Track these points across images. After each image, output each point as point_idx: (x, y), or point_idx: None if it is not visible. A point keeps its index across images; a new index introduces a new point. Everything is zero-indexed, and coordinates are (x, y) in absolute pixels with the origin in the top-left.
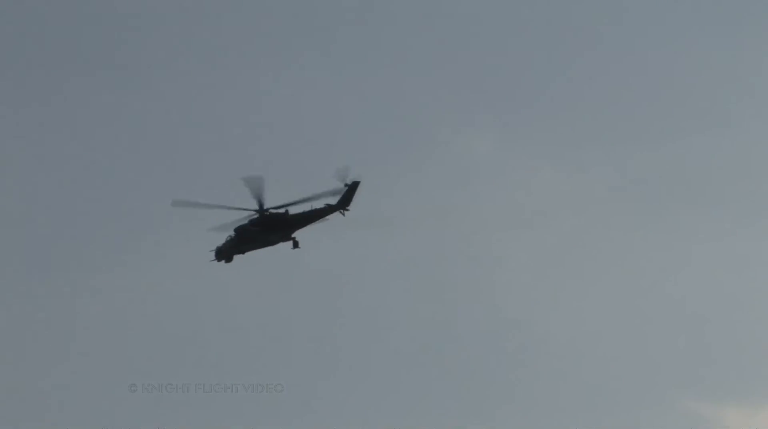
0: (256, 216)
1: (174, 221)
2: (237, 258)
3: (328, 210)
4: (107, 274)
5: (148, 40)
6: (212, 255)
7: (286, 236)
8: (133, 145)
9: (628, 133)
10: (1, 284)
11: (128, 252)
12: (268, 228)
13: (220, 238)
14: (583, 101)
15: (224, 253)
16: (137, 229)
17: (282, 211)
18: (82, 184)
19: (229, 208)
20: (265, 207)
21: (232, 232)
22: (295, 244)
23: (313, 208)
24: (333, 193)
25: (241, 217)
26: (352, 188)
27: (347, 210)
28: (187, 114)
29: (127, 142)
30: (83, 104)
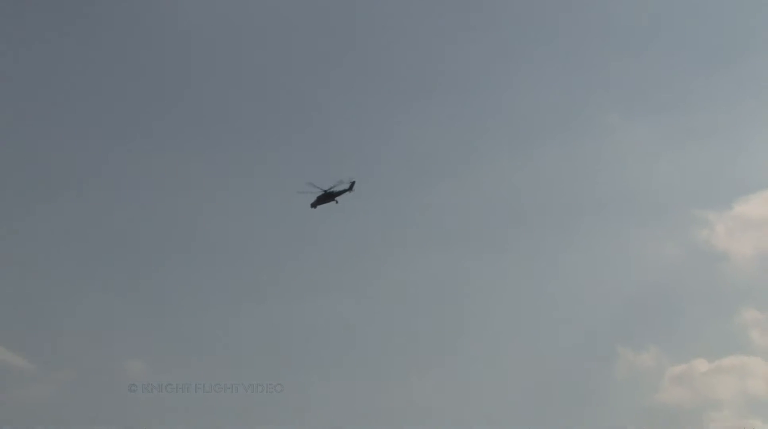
0: (322, 193)
1: (304, 192)
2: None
3: (345, 191)
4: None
5: None
6: (309, 206)
7: (333, 200)
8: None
9: None
10: None
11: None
12: (327, 196)
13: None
14: None
15: (314, 205)
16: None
17: (333, 188)
18: None
19: (317, 188)
20: (325, 188)
21: (314, 199)
22: (335, 202)
23: (341, 188)
24: (348, 183)
25: (319, 192)
26: (353, 183)
27: (352, 190)
28: None
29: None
30: None
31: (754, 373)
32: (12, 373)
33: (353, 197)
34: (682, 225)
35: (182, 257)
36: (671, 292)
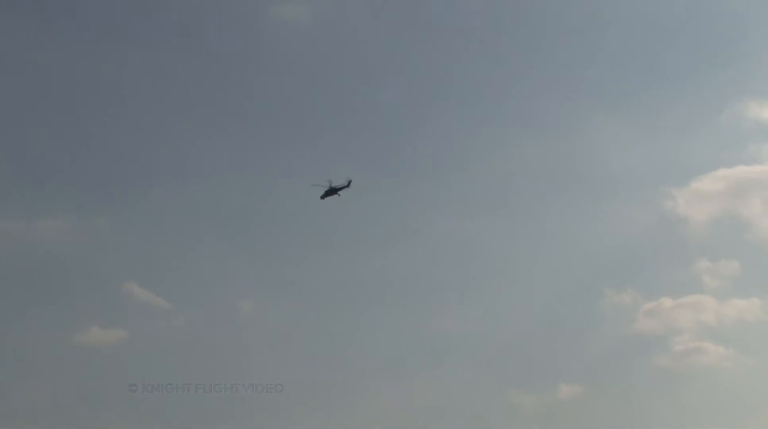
0: (329, 187)
1: (313, 188)
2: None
3: (344, 187)
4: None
5: None
6: (318, 198)
7: (336, 194)
8: None
9: None
10: None
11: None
12: (332, 191)
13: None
14: None
15: (322, 197)
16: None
17: (335, 185)
18: None
19: (324, 185)
20: (330, 185)
21: (323, 192)
22: (338, 196)
23: (341, 185)
24: (346, 181)
25: (326, 187)
26: (350, 182)
27: (348, 187)
28: None
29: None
30: None
31: (706, 307)
32: (155, 310)
33: (351, 191)
34: (652, 198)
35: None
36: (644, 247)
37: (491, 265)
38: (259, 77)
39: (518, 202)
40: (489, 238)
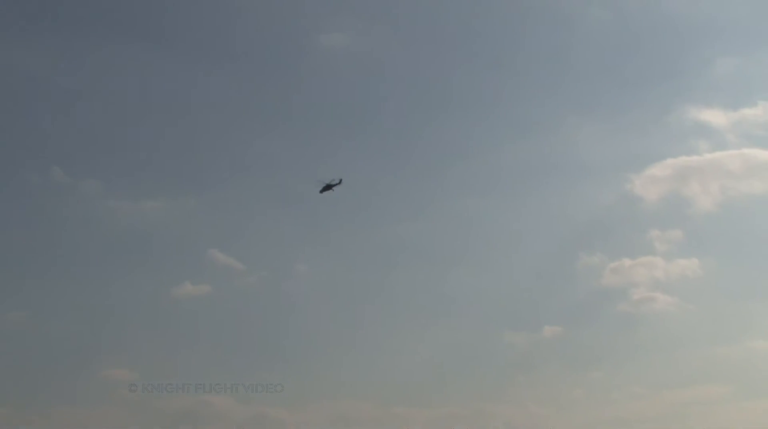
0: (325, 184)
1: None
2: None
3: (337, 184)
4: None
5: None
6: (317, 193)
7: (330, 190)
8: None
9: None
10: None
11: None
12: (328, 187)
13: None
14: None
15: (321, 192)
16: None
17: (329, 182)
18: None
19: (323, 182)
20: (326, 182)
21: (320, 188)
22: (332, 191)
23: (335, 182)
24: (338, 180)
25: (324, 184)
26: (341, 180)
27: (339, 184)
28: None
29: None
30: None
31: (657, 266)
32: (232, 271)
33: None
34: (615, 182)
35: None
36: (609, 220)
37: (489, 236)
38: (306, 89)
39: (510, 186)
40: (487, 214)
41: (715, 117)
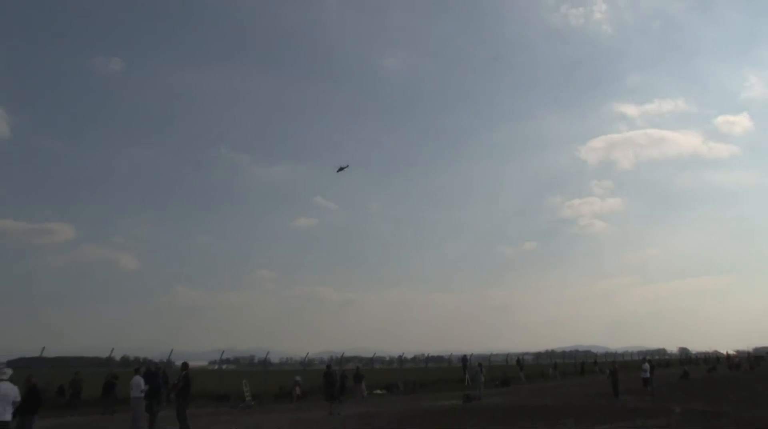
0: (339, 167)
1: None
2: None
3: (346, 167)
4: None
5: None
6: (334, 172)
7: (342, 170)
8: None
9: None
10: None
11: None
12: (341, 169)
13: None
14: None
15: (337, 171)
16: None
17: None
18: None
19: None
20: (340, 166)
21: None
22: (343, 170)
23: (345, 166)
24: (346, 164)
25: (339, 167)
26: (348, 166)
27: (347, 168)
28: None
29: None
30: None
31: (595, 203)
32: (329, 210)
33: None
34: (568, 150)
35: None
36: (564, 175)
37: (483, 186)
38: (374, 101)
39: (495, 156)
40: (488, 173)
41: (629, 109)
